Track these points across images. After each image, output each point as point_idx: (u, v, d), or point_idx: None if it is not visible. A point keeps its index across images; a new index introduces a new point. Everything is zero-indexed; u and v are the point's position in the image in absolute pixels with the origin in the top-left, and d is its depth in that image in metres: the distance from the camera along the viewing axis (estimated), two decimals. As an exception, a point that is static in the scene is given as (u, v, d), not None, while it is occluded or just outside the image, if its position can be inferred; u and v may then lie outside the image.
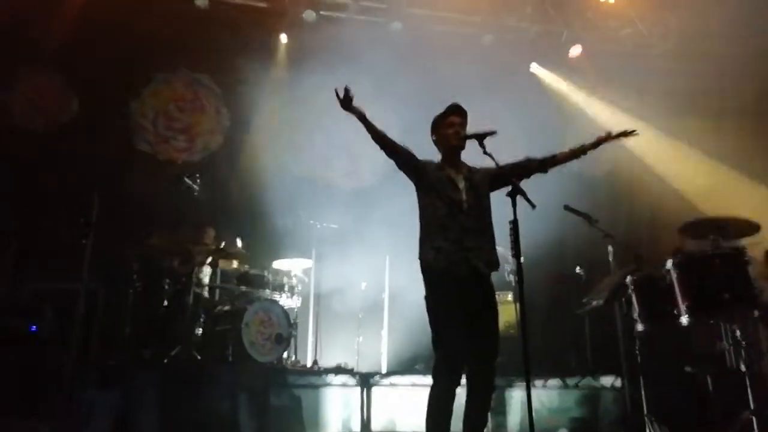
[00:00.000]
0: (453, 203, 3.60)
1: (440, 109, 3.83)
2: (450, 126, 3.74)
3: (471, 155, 3.75)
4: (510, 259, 4.99)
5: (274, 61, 8.40)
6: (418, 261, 3.66)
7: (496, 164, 3.48)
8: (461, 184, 3.68)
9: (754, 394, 4.05)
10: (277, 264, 6.89)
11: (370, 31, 8.16)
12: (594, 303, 5.80)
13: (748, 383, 4.08)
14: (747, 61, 6.97)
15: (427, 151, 3.86)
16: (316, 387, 5.78)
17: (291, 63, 8.40)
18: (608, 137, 3.77)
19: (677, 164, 8.13)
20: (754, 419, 3.97)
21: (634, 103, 8.13)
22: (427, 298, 3.57)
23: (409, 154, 3.74)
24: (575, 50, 8.72)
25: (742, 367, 4.15)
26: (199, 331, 6.14)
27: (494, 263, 3.64)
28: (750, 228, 4.62)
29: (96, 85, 7.62)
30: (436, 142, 3.86)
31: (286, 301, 6.68)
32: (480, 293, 3.54)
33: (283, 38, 8.42)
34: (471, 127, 3.73)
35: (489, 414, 3.59)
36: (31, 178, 7.03)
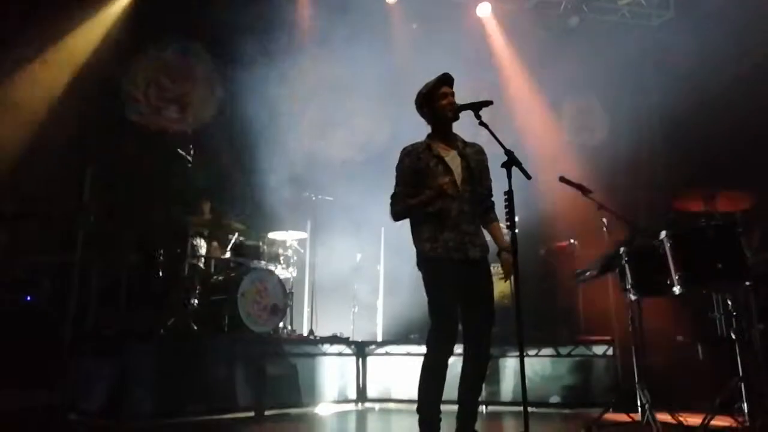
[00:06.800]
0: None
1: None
2: (444, 97, 3.59)
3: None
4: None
5: (269, 33, 8.27)
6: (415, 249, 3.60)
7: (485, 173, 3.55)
8: (455, 162, 3.58)
9: (743, 362, 4.11)
10: (272, 235, 6.91)
11: (365, 3, 8.04)
12: (587, 273, 5.84)
13: (737, 351, 4.15)
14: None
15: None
16: (312, 356, 5.86)
17: (286, 35, 8.28)
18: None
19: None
20: (742, 385, 4.05)
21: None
22: (423, 276, 3.55)
23: (412, 182, 3.59)
24: (573, 21, 8.65)
25: (733, 336, 4.21)
26: (195, 301, 6.16)
27: (487, 248, 3.60)
28: (743, 198, 4.65)
29: (88, 56, 7.51)
30: (426, 115, 3.70)
31: (281, 271, 6.71)
32: (476, 271, 3.51)
33: (279, 10, 8.27)
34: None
35: (483, 382, 3.62)
36: (25, 153, 6.95)
